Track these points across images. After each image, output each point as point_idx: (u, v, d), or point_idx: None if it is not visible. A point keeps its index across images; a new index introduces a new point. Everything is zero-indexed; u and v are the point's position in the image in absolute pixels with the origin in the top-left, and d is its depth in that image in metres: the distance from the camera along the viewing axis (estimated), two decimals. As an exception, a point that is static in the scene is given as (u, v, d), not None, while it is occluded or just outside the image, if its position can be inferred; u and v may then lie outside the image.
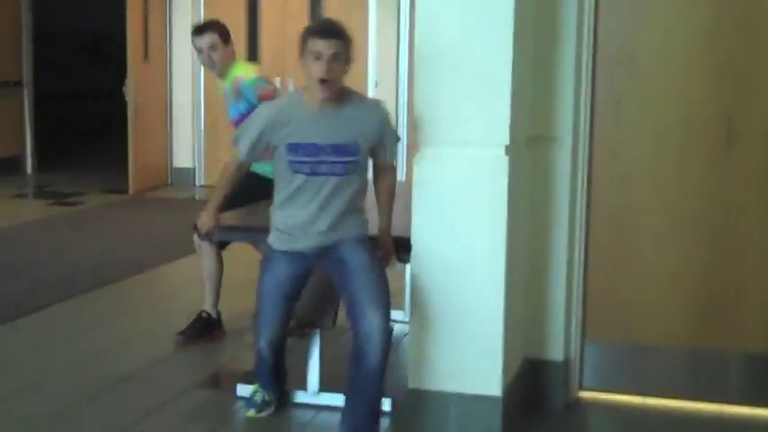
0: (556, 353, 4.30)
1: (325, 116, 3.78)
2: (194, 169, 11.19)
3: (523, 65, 3.95)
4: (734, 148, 4.20)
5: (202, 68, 9.22)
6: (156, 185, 10.90)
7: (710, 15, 4.20)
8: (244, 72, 5.22)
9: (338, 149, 3.78)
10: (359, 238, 3.87)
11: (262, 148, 3.91)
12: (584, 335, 4.39)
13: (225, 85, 5.25)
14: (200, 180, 11.27)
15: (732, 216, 4.26)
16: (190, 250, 5.61)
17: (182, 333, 5.21)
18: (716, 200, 4.27)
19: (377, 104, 3.95)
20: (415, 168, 3.88)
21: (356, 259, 3.81)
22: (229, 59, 5.22)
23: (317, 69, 3.66)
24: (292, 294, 3.97)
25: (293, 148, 3.79)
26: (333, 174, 3.79)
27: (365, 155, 3.87)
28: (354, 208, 3.89)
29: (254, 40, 10.62)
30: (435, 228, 3.89)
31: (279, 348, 4.14)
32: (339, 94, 3.79)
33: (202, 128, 11.17)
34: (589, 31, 4.21)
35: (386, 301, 3.76)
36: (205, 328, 5.25)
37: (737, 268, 4.27)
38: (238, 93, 5.12)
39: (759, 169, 4.21)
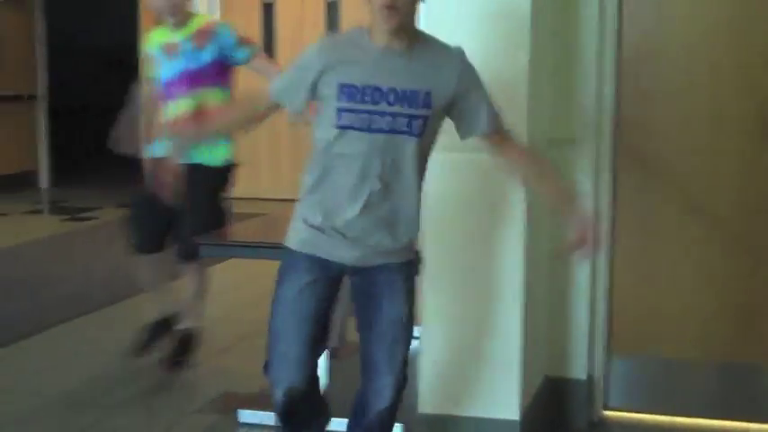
0: (579, 370, 4.11)
1: (391, 55, 2.98)
2: (211, 181, 11.04)
3: (541, 66, 3.75)
4: (769, 147, 3.98)
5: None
6: (172, 198, 10.76)
7: (741, 4, 3.98)
8: (212, 19, 4.96)
9: (404, 97, 2.95)
10: (404, 265, 3.17)
11: (302, 91, 3.04)
12: (608, 351, 4.18)
13: (178, 37, 4.81)
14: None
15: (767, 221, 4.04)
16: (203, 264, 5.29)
17: (162, 362, 4.86)
18: (750, 204, 4.05)
19: (459, 51, 3.10)
20: (428, 174, 3.66)
21: (391, 302, 3.13)
22: (188, 13, 4.85)
23: None
24: (322, 319, 3.14)
25: (346, 90, 2.95)
26: (392, 131, 2.96)
27: (437, 113, 3.03)
28: (415, 198, 3.08)
29: (270, 47, 10.47)
30: (449, 238, 3.69)
31: (306, 392, 3.22)
32: (412, 34, 3.02)
33: (219, 139, 11.01)
34: (612, 27, 3.99)
35: (402, 366, 3.18)
36: (184, 346, 4.90)
37: (773, 277, 4.04)
38: (209, 36, 4.75)
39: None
